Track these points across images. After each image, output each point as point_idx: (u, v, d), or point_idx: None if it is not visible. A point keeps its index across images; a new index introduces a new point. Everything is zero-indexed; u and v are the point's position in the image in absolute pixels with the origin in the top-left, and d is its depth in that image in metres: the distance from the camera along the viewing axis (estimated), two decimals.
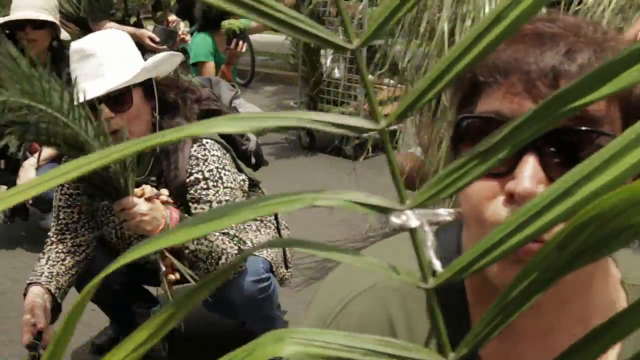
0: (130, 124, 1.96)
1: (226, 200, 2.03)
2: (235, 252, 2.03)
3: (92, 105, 1.82)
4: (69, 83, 1.80)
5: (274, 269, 2.27)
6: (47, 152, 3.40)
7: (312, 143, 5.37)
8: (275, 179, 3.78)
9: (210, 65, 4.71)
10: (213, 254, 1.94)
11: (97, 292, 2.04)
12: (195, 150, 2.06)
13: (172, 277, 1.88)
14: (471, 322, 0.73)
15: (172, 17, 4.50)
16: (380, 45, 2.89)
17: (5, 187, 3.39)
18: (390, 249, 0.77)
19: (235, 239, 2.05)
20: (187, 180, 2.01)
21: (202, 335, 2.50)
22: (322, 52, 5.13)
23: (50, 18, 3.31)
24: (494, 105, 0.64)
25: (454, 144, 0.69)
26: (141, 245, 0.30)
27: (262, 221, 2.35)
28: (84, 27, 4.18)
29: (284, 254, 2.42)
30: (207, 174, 2.04)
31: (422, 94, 0.31)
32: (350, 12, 4.81)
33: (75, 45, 1.99)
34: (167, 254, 1.86)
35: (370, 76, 4.22)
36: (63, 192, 2.17)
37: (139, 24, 4.38)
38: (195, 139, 2.04)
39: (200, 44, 4.76)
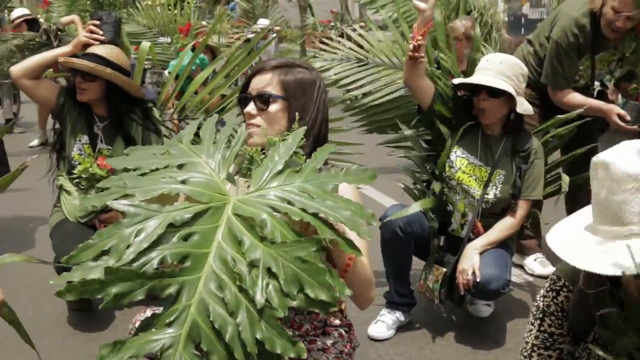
0: None
1: None
2: None
3: None
4: None
5: None
6: (492, 235, 3.02)
7: None
8: None
9: None
10: None
11: None
12: None
13: None
14: None
15: None
16: None
17: (444, 269, 3.06)
18: None
19: None
20: None
21: None
22: None
23: (507, 87, 2.91)
24: None
25: None
26: None
27: None
28: (542, 93, 3.75)
29: None
30: None
31: None
32: None
33: (624, 167, 1.43)
34: None
35: None
36: (542, 329, 1.71)
37: (603, 95, 3.78)
38: None
39: None
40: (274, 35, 12.90)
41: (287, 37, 15.11)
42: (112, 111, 3.22)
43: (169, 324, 1.36)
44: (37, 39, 6.75)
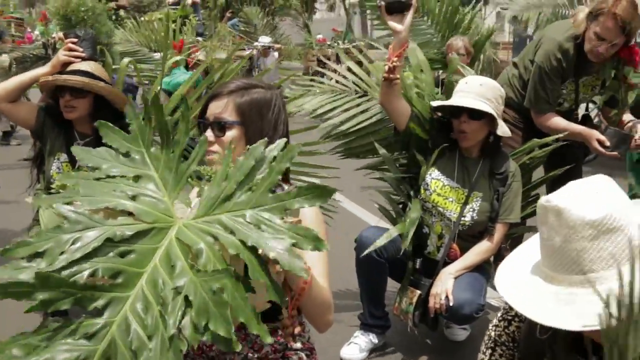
0: None
1: None
2: None
3: None
4: None
5: None
6: (469, 259, 3.00)
7: None
8: None
9: None
10: None
11: None
12: None
13: None
14: None
15: (628, 117, 3.65)
16: None
17: (419, 292, 3.03)
18: None
19: None
20: None
21: None
22: None
23: (488, 109, 2.88)
24: None
25: None
26: None
27: None
28: (527, 116, 3.73)
29: None
30: None
31: None
32: None
33: (579, 214, 1.34)
34: None
35: None
36: (494, 359, 1.68)
37: (588, 119, 3.77)
38: None
39: None
40: (276, 53, 12.96)
41: (286, 54, 15.20)
42: (96, 128, 3.19)
43: (88, 337, 1.33)
44: (34, 52, 6.80)
